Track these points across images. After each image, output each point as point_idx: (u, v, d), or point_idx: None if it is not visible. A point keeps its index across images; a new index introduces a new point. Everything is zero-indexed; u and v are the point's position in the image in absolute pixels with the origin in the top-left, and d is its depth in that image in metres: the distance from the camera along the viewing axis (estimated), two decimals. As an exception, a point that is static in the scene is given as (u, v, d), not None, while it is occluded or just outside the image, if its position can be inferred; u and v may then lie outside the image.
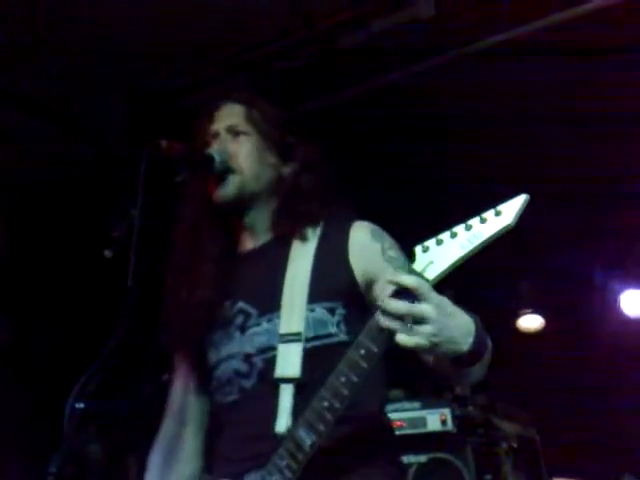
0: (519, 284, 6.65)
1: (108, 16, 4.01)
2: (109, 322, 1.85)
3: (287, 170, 2.34)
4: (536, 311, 6.71)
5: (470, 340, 1.83)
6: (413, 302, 1.74)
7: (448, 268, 1.77)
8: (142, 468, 2.34)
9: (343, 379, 1.80)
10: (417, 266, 1.79)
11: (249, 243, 2.32)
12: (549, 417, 5.93)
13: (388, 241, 2.19)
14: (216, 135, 2.32)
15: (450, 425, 4.71)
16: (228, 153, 2.25)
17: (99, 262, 2.04)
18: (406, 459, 4.73)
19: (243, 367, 2.14)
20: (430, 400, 4.77)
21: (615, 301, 6.33)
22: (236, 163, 2.25)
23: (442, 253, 1.77)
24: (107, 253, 1.98)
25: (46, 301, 5.28)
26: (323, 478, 1.93)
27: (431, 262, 1.78)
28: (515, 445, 5.29)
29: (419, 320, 1.74)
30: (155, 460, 2.31)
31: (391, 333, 1.76)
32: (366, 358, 1.79)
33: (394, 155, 5.08)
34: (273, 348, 2.09)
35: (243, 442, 2.08)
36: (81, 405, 1.66)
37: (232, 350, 2.17)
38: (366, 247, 2.15)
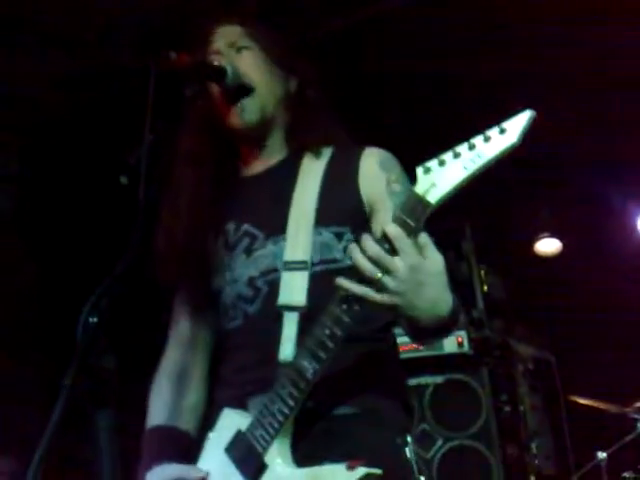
0: (537, 208, 6.62)
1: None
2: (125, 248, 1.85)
3: (292, 84, 2.29)
4: (554, 235, 6.68)
5: (433, 322, 1.77)
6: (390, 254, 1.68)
7: (451, 191, 1.69)
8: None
9: (344, 306, 1.75)
10: (419, 189, 1.71)
11: (259, 165, 2.27)
12: (566, 339, 5.96)
13: (396, 172, 2.12)
14: (218, 53, 2.23)
15: (466, 347, 4.76)
16: (237, 67, 2.17)
17: (116, 189, 2.02)
18: (423, 380, 4.80)
19: (247, 291, 2.10)
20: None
21: (633, 223, 6.29)
22: (248, 77, 2.18)
23: (444, 175, 1.69)
24: (123, 180, 1.95)
25: (62, 230, 5.31)
26: (326, 406, 1.95)
27: (433, 184, 1.69)
28: (531, 367, 5.35)
29: (386, 272, 1.69)
30: (159, 390, 2.26)
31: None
32: None
33: (400, 81, 4.99)
34: (276, 270, 2.06)
35: (246, 367, 2.06)
36: (94, 319, 1.67)
37: (237, 273, 2.13)
38: (373, 175, 2.10)
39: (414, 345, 4.64)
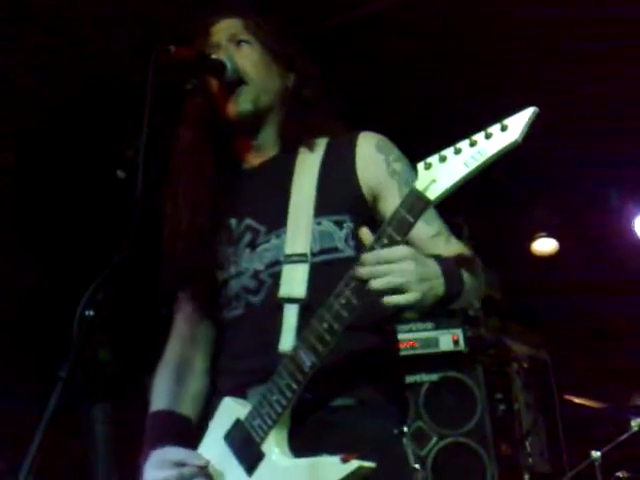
0: (534, 207, 6.63)
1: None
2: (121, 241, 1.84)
3: (290, 81, 2.30)
4: (550, 234, 6.70)
5: (442, 280, 1.83)
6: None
7: (451, 187, 1.71)
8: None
9: (343, 301, 1.78)
10: (419, 184, 1.72)
11: (255, 159, 2.28)
12: (561, 338, 5.98)
13: (394, 153, 2.14)
14: (218, 46, 2.23)
15: (462, 345, 4.78)
16: (236, 61, 2.18)
17: (113, 182, 2.02)
18: (418, 378, 4.81)
19: (252, 283, 2.12)
20: (443, 321, 4.82)
21: (630, 224, 6.31)
22: (245, 72, 2.19)
23: (445, 171, 1.70)
24: (120, 173, 1.95)
25: (58, 222, 5.30)
26: (324, 397, 1.96)
27: (434, 180, 1.71)
28: (526, 365, 5.37)
29: (400, 275, 1.74)
30: (162, 379, 2.28)
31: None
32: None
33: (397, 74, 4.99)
34: (280, 263, 2.07)
35: (246, 356, 2.08)
36: (91, 313, 1.67)
37: (241, 267, 2.15)
38: (371, 159, 2.12)
39: (410, 343, 4.68)
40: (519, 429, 5.07)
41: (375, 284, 1.73)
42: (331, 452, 1.82)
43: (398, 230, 1.74)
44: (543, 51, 4.72)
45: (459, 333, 4.78)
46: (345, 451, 1.80)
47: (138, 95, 1.98)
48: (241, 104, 2.18)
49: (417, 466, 4.44)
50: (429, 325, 4.83)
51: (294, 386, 1.86)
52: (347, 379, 1.99)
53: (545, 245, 6.73)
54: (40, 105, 5.01)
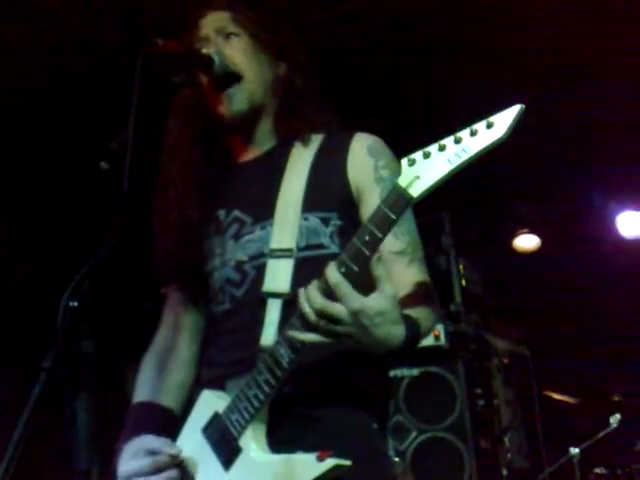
0: (517, 204, 6.66)
1: None
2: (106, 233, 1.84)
3: (281, 70, 2.29)
4: (533, 231, 6.73)
5: (384, 350, 1.80)
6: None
7: (435, 184, 1.68)
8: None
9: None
10: (402, 180, 1.70)
11: (250, 154, 2.28)
12: (541, 334, 6.01)
13: (384, 158, 2.13)
14: (206, 39, 2.23)
15: (443, 340, 4.79)
16: (225, 55, 2.17)
17: (96, 174, 2.01)
18: (399, 373, 4.83)
19: (235, 275, 2.13)
20: (424, 316, 4.82)
21: (612, 222, 6.35)
22: (235, 65, 2.18)
23: (429, 167, 1.67)
24: (103, 165, 1.93)
25: (42, 213, 5.28)
26: (303, 391, 1.96)
27: (417, 177, 1.69)
28: (506, 361, 5.40)
29: (331, 320, 1.71)
30: (147, 369, 2.29)
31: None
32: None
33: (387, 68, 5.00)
34: (264, 255, 2.08)
35: (229, 348, 2.09)
36: (75, 303, 1.67)
37: (225, 258, 2.16)
38: (361, 162, 2.11)
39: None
40: (498, 425, 5.10)
41: (313, 319, 1.72)
42: (309, 447, 1.82)
43: (379, 227, 1.72)
44: (531, 47, 4.73)
45: (440, 328, 4.79)
46: (322, 447, 1.79)
47: (124, 87, 1.97)
48: (235, 103, 2.17)
49: (397, 459, 4.46)
50: (411, 320, 4.84)
51: (272, 382, 1.85)
52: (326, 374, 1.99)
53: (527, 241, 6.77)
54: (23, 96, 4.98)
